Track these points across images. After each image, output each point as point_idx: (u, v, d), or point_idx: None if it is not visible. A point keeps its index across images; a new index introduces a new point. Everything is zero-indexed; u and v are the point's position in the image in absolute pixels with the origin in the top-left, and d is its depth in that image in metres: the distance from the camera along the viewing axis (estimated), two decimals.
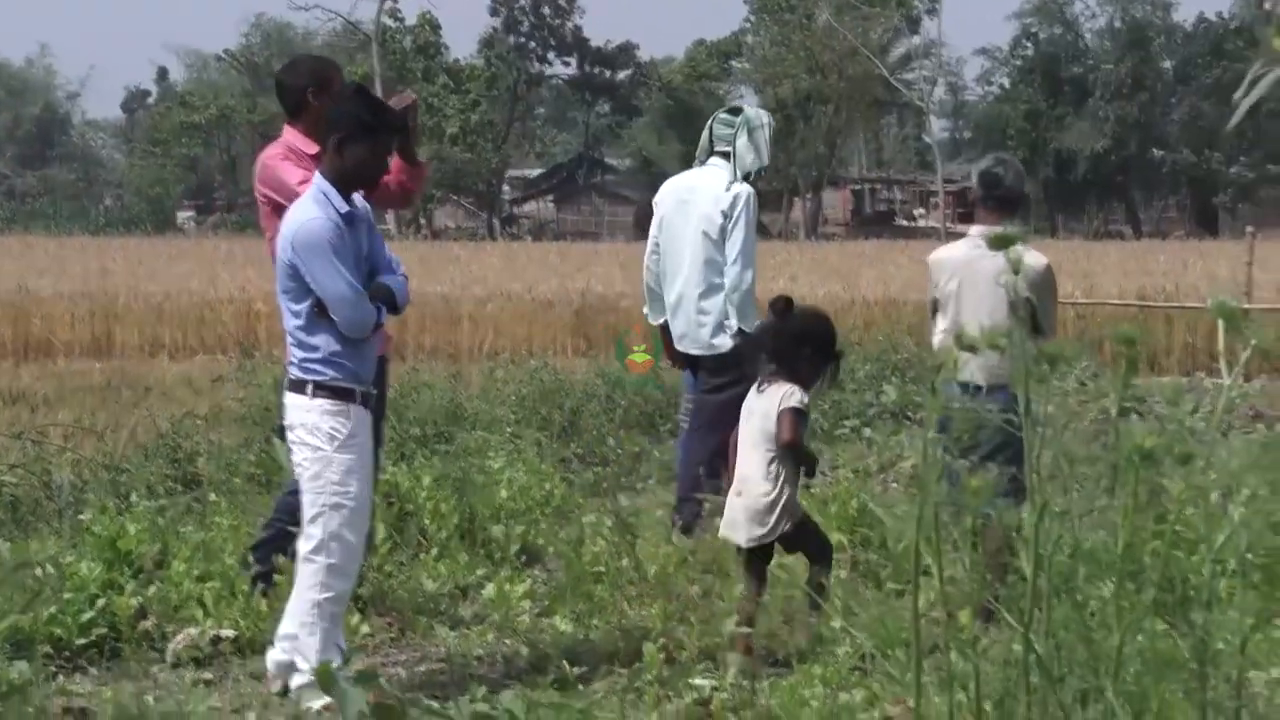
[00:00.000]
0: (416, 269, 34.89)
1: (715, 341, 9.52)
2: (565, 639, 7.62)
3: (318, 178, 6.79)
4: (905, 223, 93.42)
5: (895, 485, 11.75)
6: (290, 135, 8.04)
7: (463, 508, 9.47)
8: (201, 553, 8.27)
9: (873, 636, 7.13)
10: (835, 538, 8.99)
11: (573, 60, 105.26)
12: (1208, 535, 2.80)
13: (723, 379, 9.32)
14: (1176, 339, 22.64)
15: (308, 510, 6.72)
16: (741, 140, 9.56)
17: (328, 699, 6.60)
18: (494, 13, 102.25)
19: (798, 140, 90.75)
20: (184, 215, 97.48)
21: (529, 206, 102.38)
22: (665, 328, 9.86)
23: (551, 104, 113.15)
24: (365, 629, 7.78)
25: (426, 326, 26.43)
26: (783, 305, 7.61)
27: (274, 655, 6.86)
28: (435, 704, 6.24)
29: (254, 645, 7.55)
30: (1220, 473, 2.82)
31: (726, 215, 9.52)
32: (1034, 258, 8.03)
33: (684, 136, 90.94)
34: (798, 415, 7.20)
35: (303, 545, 6.75)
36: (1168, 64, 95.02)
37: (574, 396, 14.68)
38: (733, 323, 9.47)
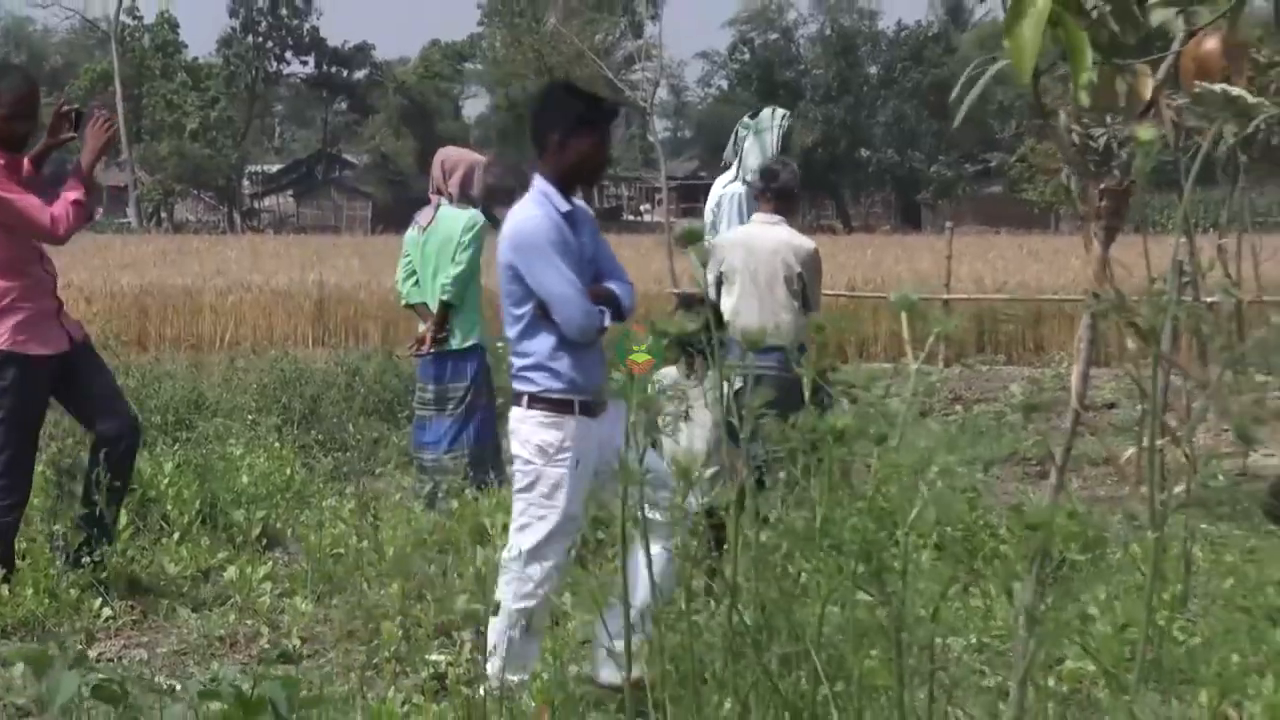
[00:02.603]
0: (158, 262, 34.27)
1: None
2: (305, 619, 7.55)
3: (537, 179, 6.40)
4: (632, 217, 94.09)
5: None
6: None
7: (204, 493, 9.32)
8: None
9: (596, 611, 7.20)
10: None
11: (310, 60, 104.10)
12: (902, 509, 2.87)
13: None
14: (883, 327, 23.07)
15: (515, 518, 6.28)
16: (749, 142, 9.86)
17: None
18: (233, 13, 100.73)
19: (528, 138, 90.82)
20: None
21: (269, 201, 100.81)
22: None
23: (290, 102, 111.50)
24: (107, 612, 7.62)
25: (168, 317, 25.83)
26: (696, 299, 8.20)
27: None
28: (174, 684, 6.13)
29: None
30: (912, 451, 2.90)
31: (714, 212, 10.11)
32: (804, 240, 9.33)
33: (419, 134, 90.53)
34: None
35: (505, 553, 6.28)
36: (873, 69, 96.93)
37: (314, 385, 14.52)
38: None
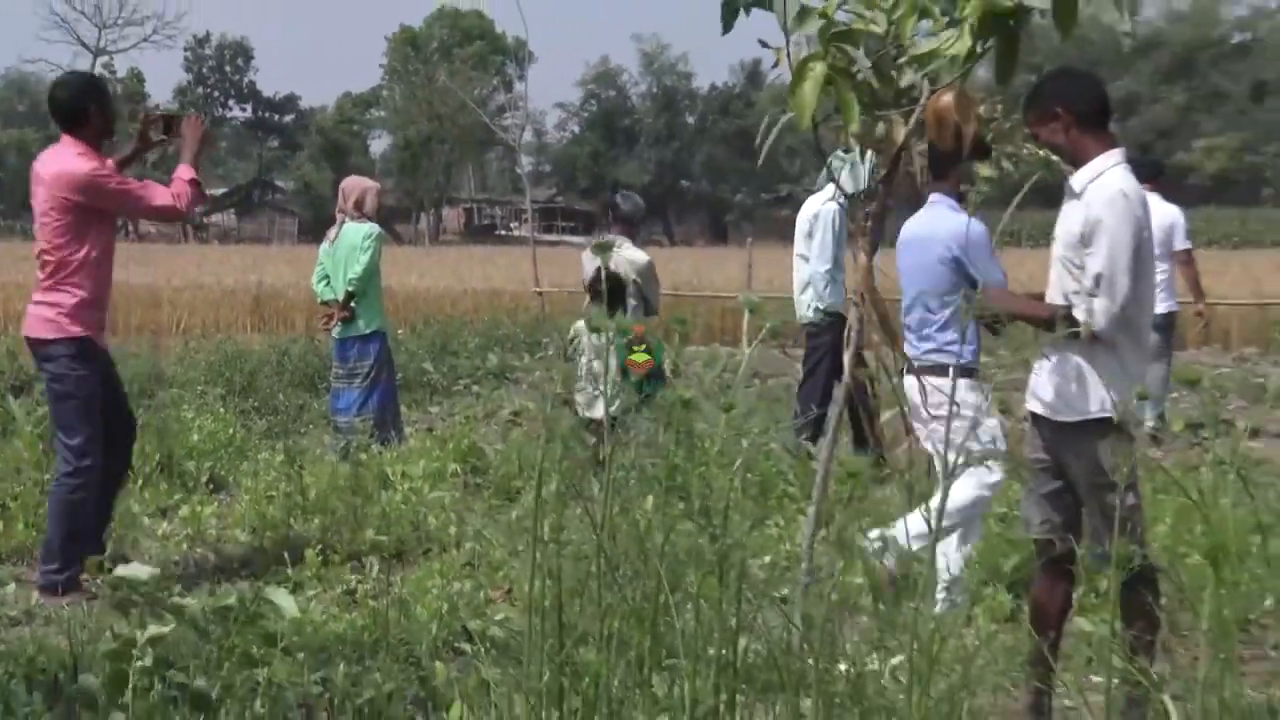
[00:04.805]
0: (125, 265, 33.38)
1: (808, 315, 10.04)
2: (244, 547, 7.41)
3: (939, 196, 6.25)
4: (503, 233, 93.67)
5: (495, 427, 11.77)
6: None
7: (163, 448, 9.11)
8: None
9: (479, 540, 7.16)
10: (451, 467, 8.98)
11: (249, 106, 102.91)
12: (725, 460, 2.87)
13: (817, 341, 9.94)
14: (700, 319, 23.19)
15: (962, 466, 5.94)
16: (845, 171, 9.62)
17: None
18: (187, 69, 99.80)
19: (422, 170, 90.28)
20: None
21: (216, 217, 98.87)
22: None
23: (232, 139, 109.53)
24: None
25: (133, 309, 25.26)
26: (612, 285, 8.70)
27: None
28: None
29: None
30: (733, 417, 2.90)
31: (810, 222, 9.96)
32: (641, 254, 9.33)
33: (335, 166, 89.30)
34: None
35: (955, 494, 5.89)
36: (691, 119, 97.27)
37: (251, 363, 14.27)
38: (819, 303, 9.92)
